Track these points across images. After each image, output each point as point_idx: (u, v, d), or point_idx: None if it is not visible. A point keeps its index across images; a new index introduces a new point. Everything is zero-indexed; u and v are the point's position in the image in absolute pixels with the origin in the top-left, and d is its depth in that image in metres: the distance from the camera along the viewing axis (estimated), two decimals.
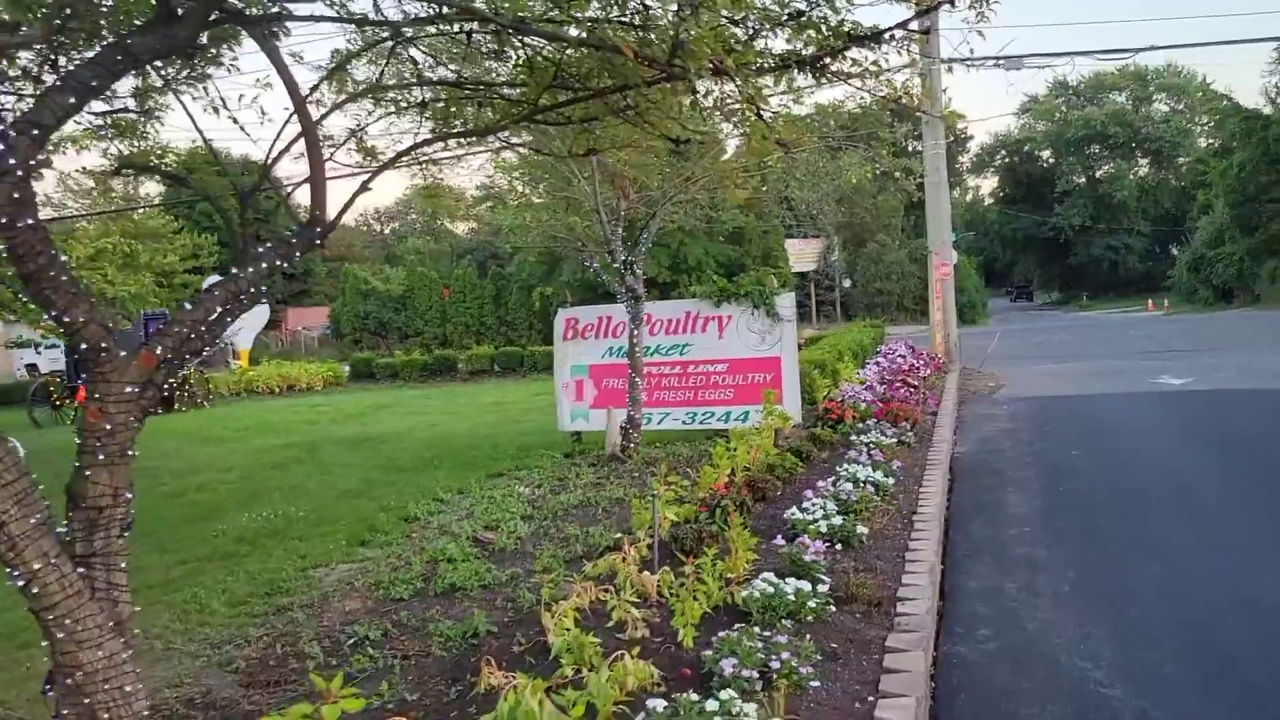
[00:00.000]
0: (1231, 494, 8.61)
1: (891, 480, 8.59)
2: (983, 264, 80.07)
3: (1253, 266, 45.95)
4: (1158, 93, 75.56)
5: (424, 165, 6.37)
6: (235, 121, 6.24)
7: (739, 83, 4.32)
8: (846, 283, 50.97)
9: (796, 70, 4.55)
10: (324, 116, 6.16)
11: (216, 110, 6.64)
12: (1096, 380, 17.52)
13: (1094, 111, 71.82)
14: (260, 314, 28.13)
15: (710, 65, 3.86)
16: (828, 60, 4.40)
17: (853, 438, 10.36)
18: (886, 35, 4.58)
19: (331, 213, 4.83)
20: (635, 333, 11.14)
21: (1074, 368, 20.52)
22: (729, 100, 5.14)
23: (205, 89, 5.73)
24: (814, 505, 7.19)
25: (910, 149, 51.68)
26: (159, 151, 7.82)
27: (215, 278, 28.93)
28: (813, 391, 12.40)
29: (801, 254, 47.07)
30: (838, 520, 6.90)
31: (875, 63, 5.12)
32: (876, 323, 25.82)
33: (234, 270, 4.63)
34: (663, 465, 10.59)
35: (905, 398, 13.14)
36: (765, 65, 4.48)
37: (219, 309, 4.37)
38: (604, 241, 10.63)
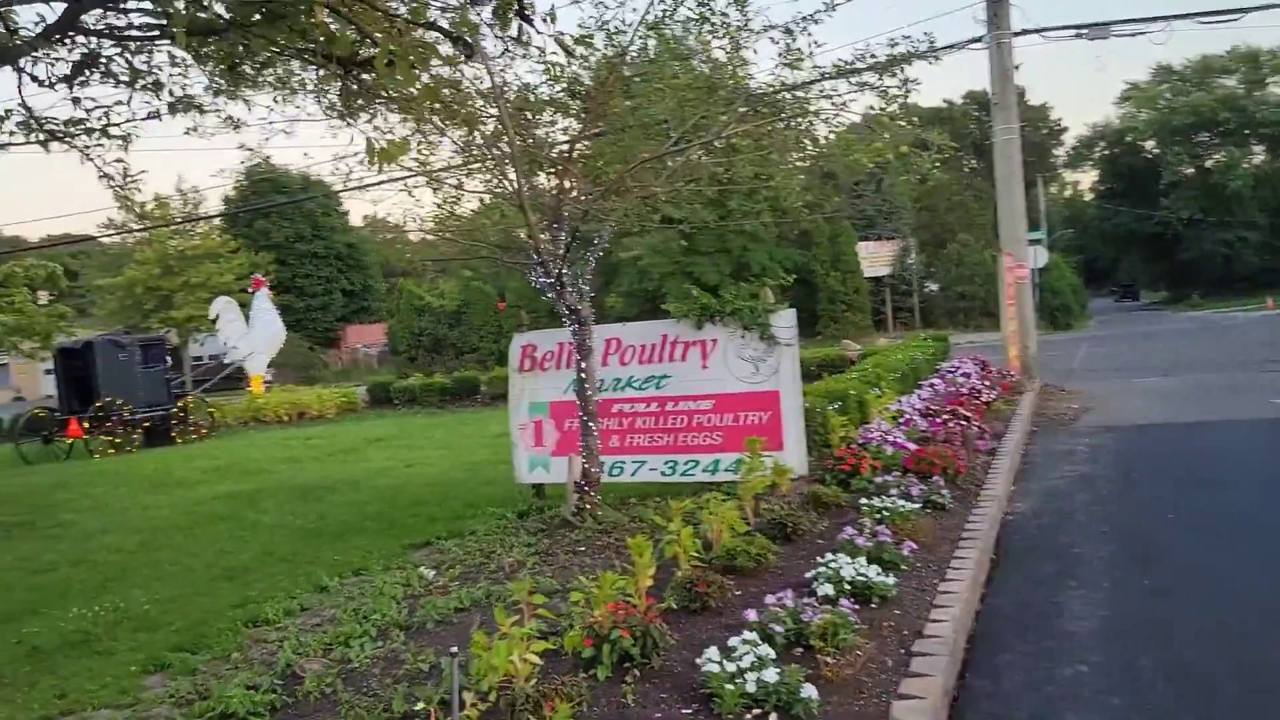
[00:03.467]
0: None
1: (893, 579, 6.04)
2: (1083, 263, 75.50)
3: None
4: (1272, 75, 69.86)
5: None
6: None
7: None
8: (932, 286, 47.55)
9: None
10: None
11: None
12: (1203, 401, 14.48)
13: (1202, 97, 66.74)
14: (274, 336, 26.49)
15: None
16: None
17: (863, 501, 7.80)
18: None
19: None
20: (584, 364, 8.75)
21: (1176, 384, 17.38)
22: None
23: None
24: (744, 643, 4.71)
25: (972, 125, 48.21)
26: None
27: (224, 299, 27.51)
28: (827, 433, 9.84)
29: (875, 257, 43.92)
30: (772, 674, 4.42)
31: None
32: (940, 335, 22.86)
33: None
34: (626, 534, 8.22)
35: (952, 434, 10.47)
36: None
37: None
38: (533, 249, 8.25)
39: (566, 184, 8.53)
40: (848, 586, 5.77)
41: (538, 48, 8.09)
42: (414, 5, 5.16)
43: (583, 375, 8.72)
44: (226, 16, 3.24)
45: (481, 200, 9.05)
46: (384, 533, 9.61)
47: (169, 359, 22.34)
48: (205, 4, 3.25)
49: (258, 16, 3.25)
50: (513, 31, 3.17)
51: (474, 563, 7.96)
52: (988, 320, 44.36)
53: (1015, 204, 18.55)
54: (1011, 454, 10.80)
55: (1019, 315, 18.22)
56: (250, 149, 9.47)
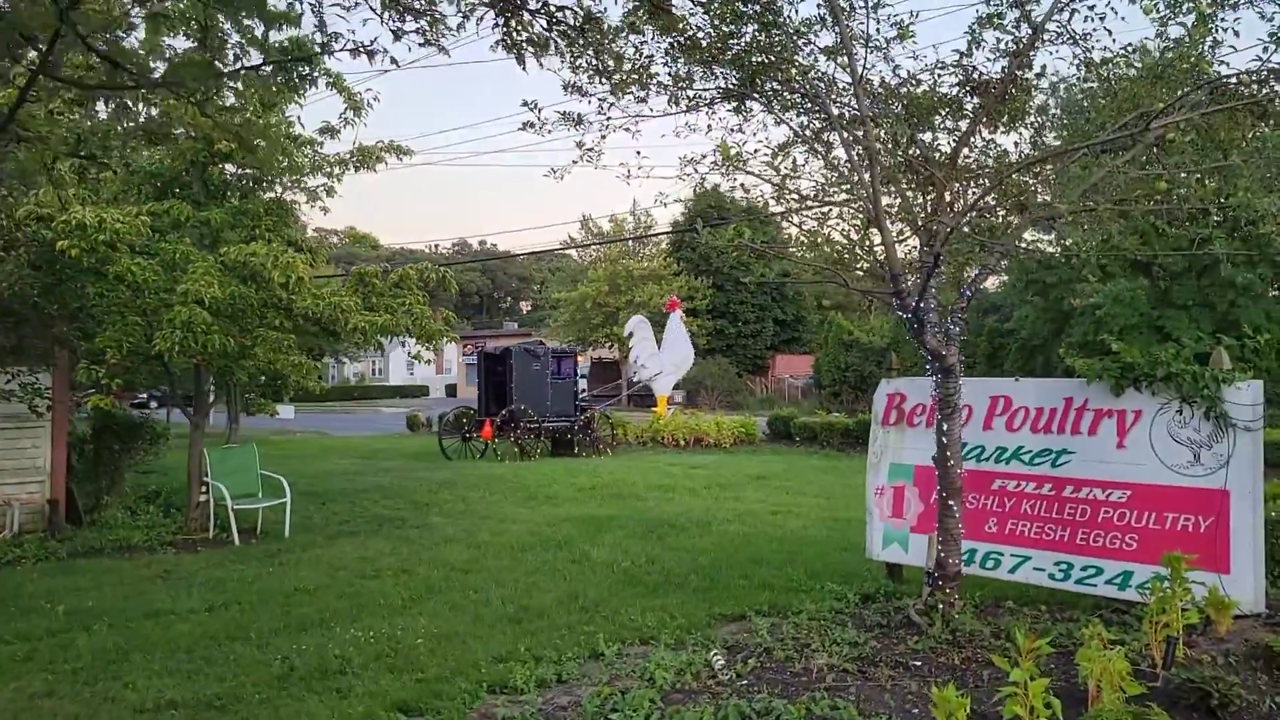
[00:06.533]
0: None
1: None
2: None
3: None
4: None
5: None
6: None
7: None
8: None
9: None
10: None
11: None
12: None
13: None
14: (683, 359, 26.28)
15: None
16: None
17: None
18: None
19: None
20: (946, 426, 6.83)
21: None
22: None
23: None
24: None
25: None
26: None
27: (639, 318, 27.86)
28: None
29: None
30: None
31: None
32: None
33: None
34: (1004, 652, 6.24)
35: None
36: None
37: None
38: (887, 277, 6.51)
39: (946, 196, 6.72)
40: None
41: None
42: None
43: (944, 439, 6.82)
44: None
45: (837, 216, 7.45)
46: (702, 592, 8.34)
47: (577, 372, 22.91)
48: None
49: None
50: None
51: (779, 656, 6.41)
52: None
53: None
54: None
55: None
56: (591, 149, 8.73)
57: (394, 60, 3.81)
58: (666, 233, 46.38)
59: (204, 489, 11.48)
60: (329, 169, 11.81)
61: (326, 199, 12.09)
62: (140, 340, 9.81)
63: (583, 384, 43.24)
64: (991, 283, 46.51)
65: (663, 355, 26.16)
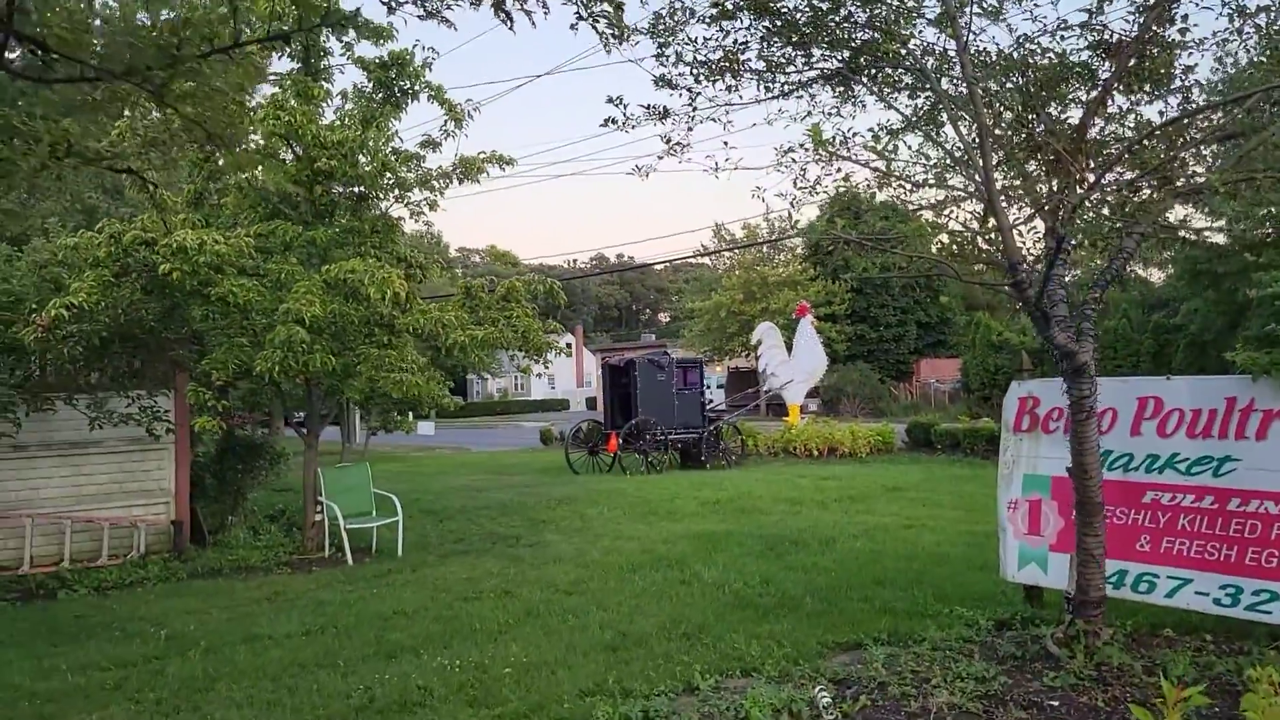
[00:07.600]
0: None
1: None
2: None
3: None
4: None
5: None
6: None
7: None
8: None
9: None
10: None
11: None
12: None
13: None
14: (815, 366, 25.33)
15: None
16: None
17: None
18: None
19: None
20: (1081, 431, 6.01)
21: None
22: None
23: None
24: None
25: None
26: None
27: (767, 325, 27.03)
28: None
29: None
30: None
31: None
32: None
33: None
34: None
35: None
36: None
37: None
38: (1006, 263, 5.75)
39: (1074, 174, 5.92)
40: None
41: None
42: None
43: (1078, 447, 6.01)
44: None
45: (953, 203, 6.69)
46: (818, 616, 7.68)
47: (704, 382, 22.35)
48: None
49: None
50: None
51: (894, 693, 5.74)
52: None
53: None
54: None
55: None
56: (679, 143, 8.24)
57: (379, 33, 3.39)
58: (788, 236, 45.34)
59: (319, 508, 11.47)
60: (432, 182, 11.67)
61: (430, 212, 11.97)
62: (246, 361, 9.80)
63: (719, 394, 42.74)
64: (1156, 276, 43.34)
65: (793, 363, 25.35)
